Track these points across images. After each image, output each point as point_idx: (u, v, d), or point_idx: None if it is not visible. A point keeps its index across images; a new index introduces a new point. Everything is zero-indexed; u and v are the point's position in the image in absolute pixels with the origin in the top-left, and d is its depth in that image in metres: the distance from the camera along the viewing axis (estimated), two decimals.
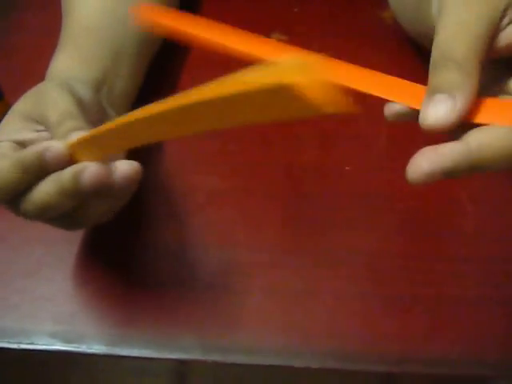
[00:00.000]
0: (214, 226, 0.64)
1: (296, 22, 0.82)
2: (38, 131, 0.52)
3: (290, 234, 0.64)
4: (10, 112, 0.54)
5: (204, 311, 0.59)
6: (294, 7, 0.83)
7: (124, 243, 0.63)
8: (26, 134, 0.52)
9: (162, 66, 0.75)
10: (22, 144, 0.51)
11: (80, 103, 0.54)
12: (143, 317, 0.59)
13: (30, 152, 0.48)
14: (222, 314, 0.59)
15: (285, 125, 0.70)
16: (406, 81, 0.49)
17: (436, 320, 0.58)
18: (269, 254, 0.62)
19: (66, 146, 0.48)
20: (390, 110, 0.48)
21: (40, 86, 0.56)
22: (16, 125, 0.52)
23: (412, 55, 0.76)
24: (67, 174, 0.47)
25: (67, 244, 0.63)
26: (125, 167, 0.48)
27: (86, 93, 0.57)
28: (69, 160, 0.48)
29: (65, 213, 0.50)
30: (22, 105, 0.54)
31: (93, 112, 0.56)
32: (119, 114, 0.61)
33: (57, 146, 0.48)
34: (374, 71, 0.50)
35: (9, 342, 0.57)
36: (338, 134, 0.71)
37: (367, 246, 0.63)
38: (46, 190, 0.48)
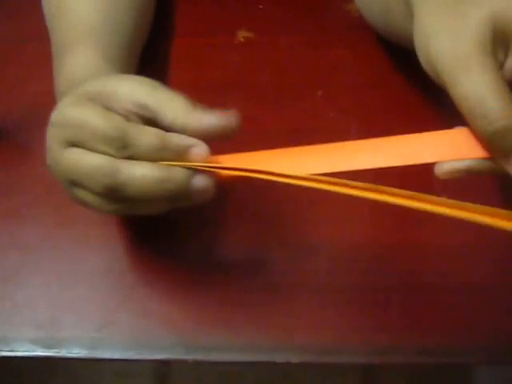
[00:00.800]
0: (194, 223, 0.64)
1: (262, 18, 0.82)
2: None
3: (268, 227, 0.64)
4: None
5: (185, 311, 0.59)
6: (259, 4, 0.83)
7: (103, 245, 0.63)
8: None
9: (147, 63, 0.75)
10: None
11: None
12: (122, 319, 0.59)
13: (176, 138, 0.49)
14: (201, 312, 0.59)
15: (255, 121, 0.71)
16: (439, 132, 0.50)
17: (414, 309, 0.59)
18: (244, 250, 0.63)
19: (208, 151, 0.50)
20: (442, 170, 0.49)
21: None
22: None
23: (379, 47, 0.77)
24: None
25: (44, 249, 0.62)
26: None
27: None
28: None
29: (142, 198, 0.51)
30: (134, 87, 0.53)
31: None
32: None
33: (205, 149, 0.49)
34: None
35: None
36: (307, 129, 0.71)
37: (346, 237, 0.63)
38: (152, 174, 0.49)
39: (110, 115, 0.49)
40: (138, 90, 0.51)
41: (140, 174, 0.48)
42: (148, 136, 0.49)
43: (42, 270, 0.61)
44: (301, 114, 0.73)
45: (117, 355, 0.57)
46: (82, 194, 0.51)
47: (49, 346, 0.57)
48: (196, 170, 0.50)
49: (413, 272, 0.61)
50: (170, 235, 0.63)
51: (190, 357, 0.57)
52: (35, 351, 0.57)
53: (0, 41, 0.80)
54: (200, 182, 0.50)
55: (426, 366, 0.58)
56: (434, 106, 0.72)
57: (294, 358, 0.57)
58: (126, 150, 0.49)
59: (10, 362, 0.58)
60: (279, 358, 0.57)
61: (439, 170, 0.48)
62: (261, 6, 0.83)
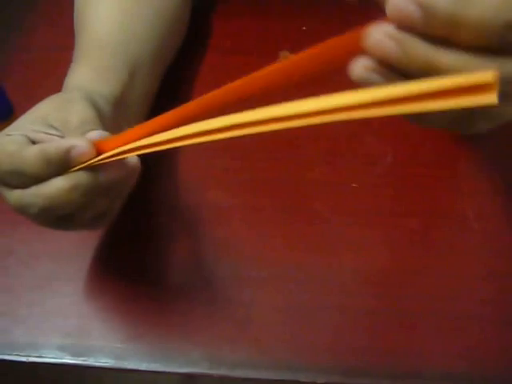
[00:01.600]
0: (223, 240, 0.65)
1: (304, 40, 0.83)
2: (50, 134, 0.53)
3: (298, 249, 0.64)
4: (29, 112, 0.55)
5: (212, 326, 0.59)
6: (302, 25, 0.84)
7: (133, 258, 0.64)
8: (38, 135, 0.52)
9: (174, 77, 0.76)
10: (34, 143, 0.51)
11: (101, 117, 0.55)
12: (151, 331, 0.59)
13: (54, 146, 0.49)
14: (229, 328, 0.59)
15: (291, 142, 0.72)
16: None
17: (439, 335, 0.59)
18: (276, 269, 0.63)
19: (91, 146, 0.48)
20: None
21: (63, 95, 0.57)
22: (31, 125, 0.53)
23: None
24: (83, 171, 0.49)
25: (76, 258, 0.63)
26: (134, 161, 0.51)
27: (106, 107, 0.58)
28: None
29: (66, 213, 0.51)
30: (43, 107, 0.55)
31: (110, 127, 0.56)
32: None
33: (83, 145, 0.48)
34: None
35: (18, 355, 0.58)
36: (343, 152, 0.72)
37: (374, 262, 0.63)
38: (59, 184, 0.49)
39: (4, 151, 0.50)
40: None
41: (48, 190, 0.49)
42: (29, 159, 0.49)
43: (73, 279, 0.62)
44: (337, 137, 0.73)
45: (143, 367, 0.57)
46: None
47: (76, 354, 0.58)
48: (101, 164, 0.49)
49: (443, 298, 0.61)
50: (200, 250, 0.64)
51: (214, 372, 0.57)
52: (63, 358, 0.58)
53: (41, 48, 0.82)
54: (107, 171, 0.49)
55: None
56: (467, 139, 0.72)
57: (320, 378, 0.57)
58: (24, 179, 0.49)
59: (39, 368, 0.59)
60: (304, 378, 0.57)
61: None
62: (304, 28, 0.84)
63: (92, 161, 0.48)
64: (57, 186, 0.49)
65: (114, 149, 0.48)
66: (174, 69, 0.76)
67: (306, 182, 0.69)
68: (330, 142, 0.73)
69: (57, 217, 0.52)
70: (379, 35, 0.38)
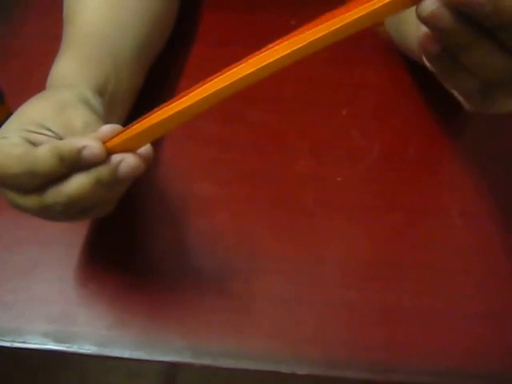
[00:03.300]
0: (209, 232, 0.65)
1: None
2: (48, 136, 0.53)
3: (281, 241, 0.65)
4: (18, 114, 0.55)
5: (196, 315, 0.60)
6: (290, 18, 0.84)
7: (120, 247, 0.64)
8: (36, 136, 0.52)
9: (161, 69, 0.76)
10: (33, 144, 0.52)
11: (99, 117, 0.55)
12: (136, 319, 0.60)
13: (67, 145, 0.49)
14: (213, 319, 0.60)
15: (278, 135, 0.72)
16: None
17: (421, 330, 0.60)
18: (262, 260, 0.63)
19: (102, 146, 0.49)
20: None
21: (56, 95, 0.56)
22: (25, 126, 0.53)
23: (405, 68, 0.78)
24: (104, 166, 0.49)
25: (62, 245, 0.64)
26: (147, 149, 0.51)
27: (97, 103, 0.58)
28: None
29: (88, 207, 0.52)
30: (36, 110, 0.55)
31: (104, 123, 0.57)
32: (118, 123, 0.62)
33: (95, 146, 0.48)
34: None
35: (2, 341, 0.58)
36: (329, 146, 0.72)
37: (358, 255, 0.64)
38: (81, 181, 0.49)
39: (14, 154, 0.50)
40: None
41: (71, 187, 0.50)
42: (42, 158, 0.49)
43: (58, 265, 0.63)
44: (323, 131, 0.74)
45: (126, 354, 0.58)
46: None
47: (60, 340, 0.58)
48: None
49: (424, 293, 0.62)
50: (187, 241, 0.65)
51: (197, 361, 0.57)
52: (46, 344, 0.58)
53: (29, 38, 0.82)
54: (128, 165, 0.49)
55: None
56: (454, 136, 0.73)
57: (301, 370, 0.57)
58: (36, 180, 0.50)
59: (23, 353, 0.59)
60: (285, 369, 0.57)
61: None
62: (293, 22, 0.84)
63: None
64: (80, 182, 0.49)
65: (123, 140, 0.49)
66: (161, 60, 0.76)
67: (292, 175, 0.70)
68: (316, 136, 0.73)
69: (79, 211, 0.52)
70: None
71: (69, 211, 0.52)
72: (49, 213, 0.52)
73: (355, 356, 0.58)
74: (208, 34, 0.83)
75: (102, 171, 0.49)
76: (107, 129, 0.50)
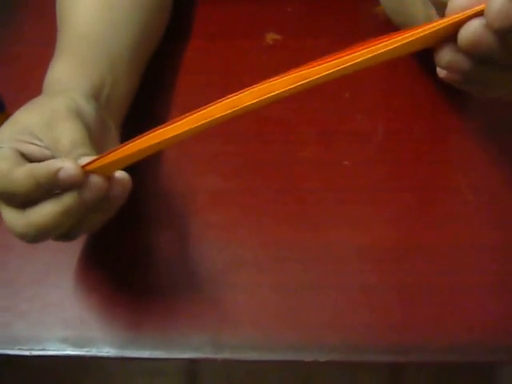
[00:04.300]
0: (216, 225, 0.65)
1: (290, 21, 0.83)
2: (39, 146, 0.53)
3: (293, 230, 0.64)
4: (12, 121, 0.54)
5: (212, 310, 0.60)
6: (287, 7, 0.84)
7: (129, 246, 0.64)
8: (29, 147, 0.52)
9: (158, 66, 0.76)
10: (23, 156, 0.52)
11: (88, 127, 0.55)
12: (152, 318, 0.59)
13: (44, 168, 0.48)
14: (229, 312, 0.60)
15: (282, 123, 0.72)
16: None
17: (440, 308, 0.59)
18: (273, 251, 0.63)
19: (78, 167, 0.48)
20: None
21: (48, 103, 0.56)
22: (18, 135, 0.52)
23: None
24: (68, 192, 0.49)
25: (74, 250, 0.63)
26: (120, 176, 0.50)
27: (89, 108, 0.57)
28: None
29: (61, 233, 0.52)
30: (29, 118, 0.54)
31: (97, 128, 0.56)
32: (117, 123, 0.62)
33: (71, 167, 0.48)
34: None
35: (20, 349, 0.58)
36: (334, 131, 0.72)
37: (369, 238, 0.63)
38: (48, 210, 0.49)
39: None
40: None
41: (37, 222, 0.49)
42: (19, 181, 0.49)
43: (71, 270, 0.62)
44: (328, 116, 0.73)
45: (145, 354, 0.58)
46: None
47: (79, 345, 0.58)
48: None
49: (439, 272, 0.61)
50: (197, 235, 0.64)
51: (218, 356, 0.57)
52: (65, 350, 0.58)
53: (26, 43, 0.82)
54: (92, 188, 0.49)
55: (453, 365, 0.58)
56: (459, 112, 0.72)
57: (322, 357, 0.57)
58: (15, 199, 0.50)
59: (43, 361, 0.59)
60: (307, 357, 0.57)
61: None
62: (289, 9, 0.84)
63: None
64: (46, 212, 0.49)
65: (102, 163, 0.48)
66: (159, 55, 0.76)
67: (298, 162, 0.69)
68: (321, 121, 0.73)
69: (54, 237, 0.52)
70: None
71: (42, 239, 0.51)
72: (23, 240, 0.52)
73: (376, 339, 0.58)
74: (204, 27, 0.83)
75: (68, 198, 0.48)
76: (85, 160, 0.49)
